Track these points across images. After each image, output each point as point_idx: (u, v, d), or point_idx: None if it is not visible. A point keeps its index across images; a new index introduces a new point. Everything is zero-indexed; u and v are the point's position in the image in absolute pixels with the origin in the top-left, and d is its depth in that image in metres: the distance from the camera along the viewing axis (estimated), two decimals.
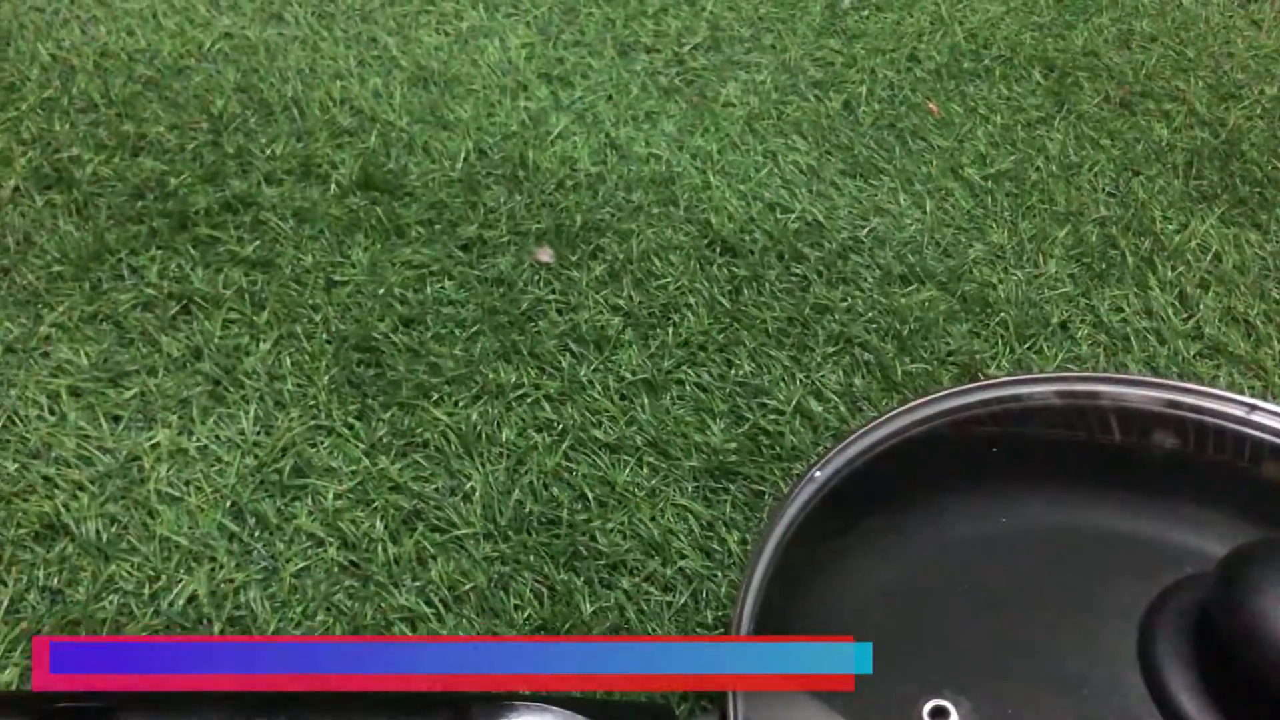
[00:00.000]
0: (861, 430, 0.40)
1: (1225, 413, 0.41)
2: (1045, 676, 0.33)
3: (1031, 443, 0.42)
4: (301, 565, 0.41)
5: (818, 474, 0.38)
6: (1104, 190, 0.60)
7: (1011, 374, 0.50)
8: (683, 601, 0.41)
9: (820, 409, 0.48)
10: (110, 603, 0.39)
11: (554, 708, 0.30)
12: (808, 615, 0.36)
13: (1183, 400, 0.42)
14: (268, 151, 0.56)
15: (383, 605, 0.40)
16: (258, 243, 0.52)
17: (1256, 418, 0.41)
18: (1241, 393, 0.51)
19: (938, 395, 0.42)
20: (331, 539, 0.42)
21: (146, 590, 0.40)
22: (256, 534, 0.42)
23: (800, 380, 0.49)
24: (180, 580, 0.40)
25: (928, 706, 0.32)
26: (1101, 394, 0.43)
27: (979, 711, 0.32)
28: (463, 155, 0.57)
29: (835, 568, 0.37)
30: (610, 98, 0.62)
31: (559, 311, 0.50)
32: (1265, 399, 0.41)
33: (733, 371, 0.49)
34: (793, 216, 0.56)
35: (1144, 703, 0.31)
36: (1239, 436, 0.42)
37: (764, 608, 0.35)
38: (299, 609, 0.40)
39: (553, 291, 0.51)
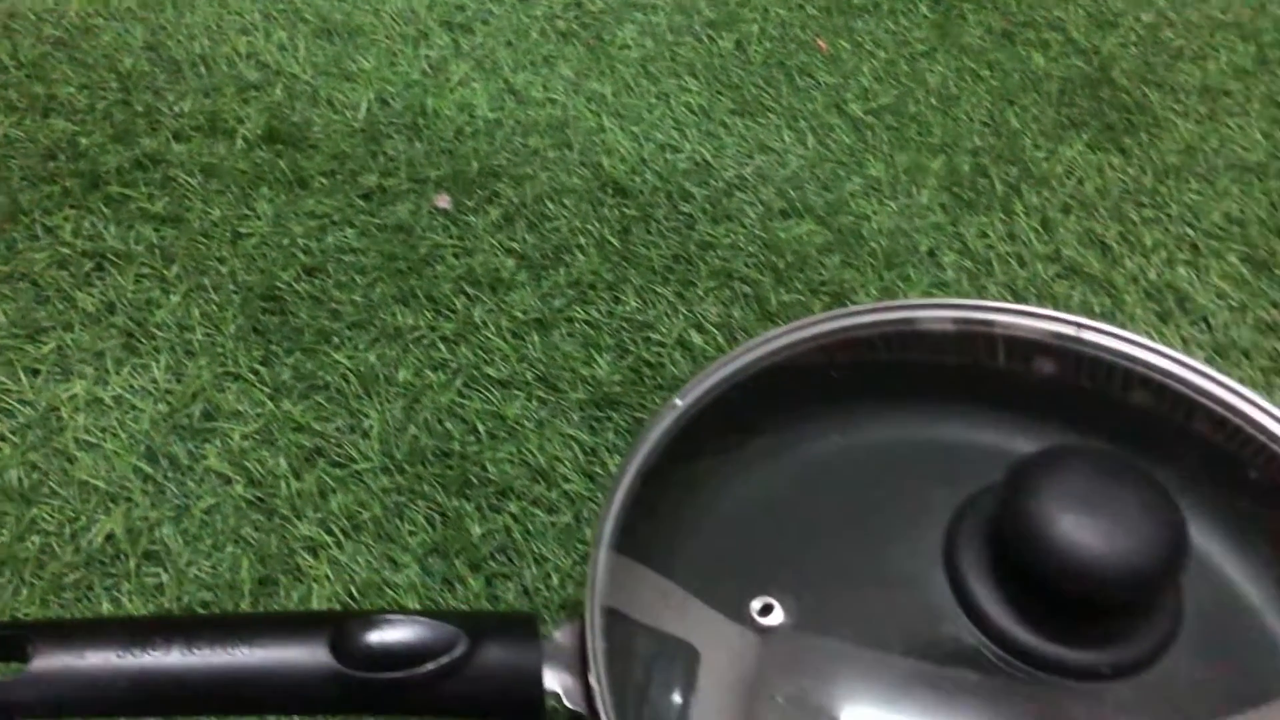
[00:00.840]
0: (724, 359, 0.44)
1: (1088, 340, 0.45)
2: (861, 575, 0.37)
3: (904, 366, 0.46)
4: (211, 502, 0.44)
5: (679, 401, 0.42)
6: (980, 121, 0.63)
7: (881, 300, 0.53)
8: (566, 521, 0.45)
9: (700, 340, 0.51)
10: (32, 543, 0.43)
11: (423, 618, 0.34)
12: (663, 533, 0.39)
13: (1064, 331, 0.46)
14: (176, 109, 0.59)
15: (286, 536, 0.43)
16: (167, 199, 0.55)
17: (1084, 335, 0.45)
18: (1092, 311, 0.55)
19: (806, 322, 0.45)
20: (239, 477, 0.45)
21: (67, 530, 0.43)
22: (169, 475, 0.45)
23: (683, 314, 0.52)
24: (98, 520, 0.43)
25: (756, 603, 0.36)
26: (994, 322, 0.47)
27: (800, 605, 0.36)
28: (365, 106, 0.60)
29: (693, 488, 0.41)
30: (510, 43, 0.64)
31: (455, 256, 0.53)
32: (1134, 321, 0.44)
33: (620, 308, 0.52)
34: (682, 157, 0.59)
35: (947, 598, 0.35)
36: (1112, 366, 0.45)
37: (624, 529, 0.38)
38: (209, 542, 0.43)
39: (450, 236, 0.54)
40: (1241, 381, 0.52)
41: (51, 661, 0.32)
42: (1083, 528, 0.32)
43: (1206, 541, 0.42)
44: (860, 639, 0.36)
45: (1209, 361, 0.53)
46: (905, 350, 0.46)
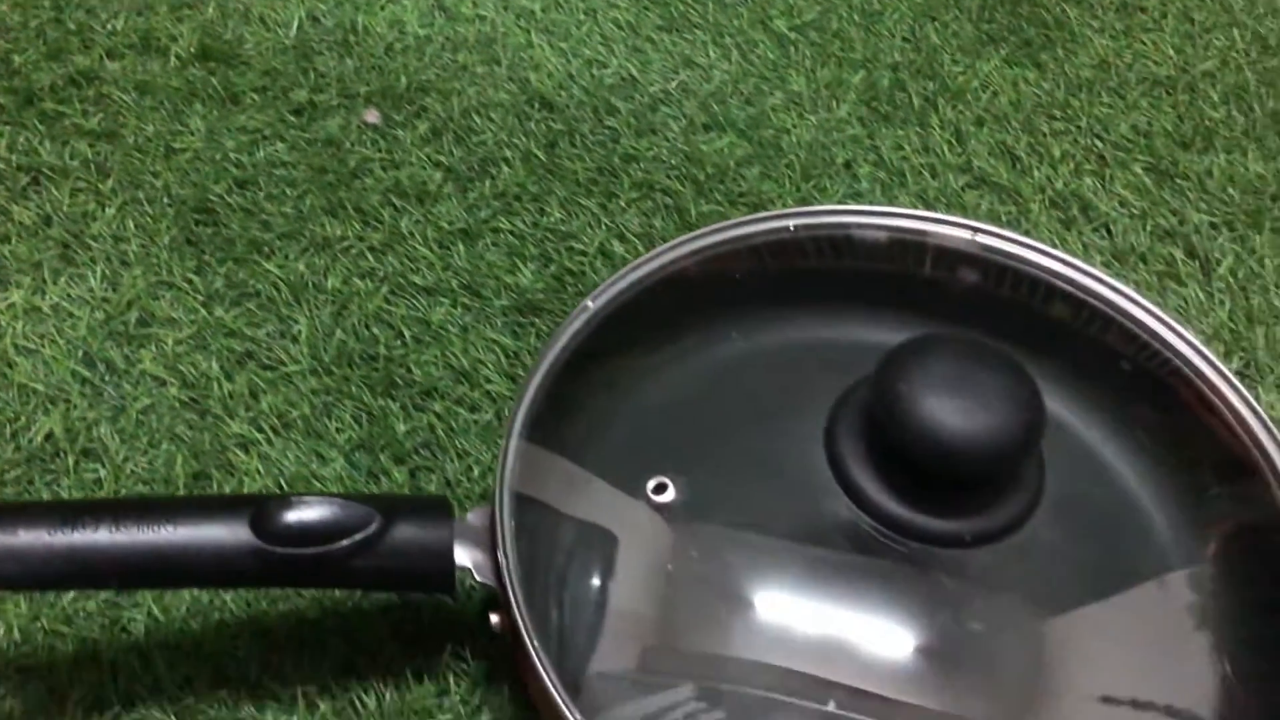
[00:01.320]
0: (636, 263, 0.46)
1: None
2: (750, 458, 0.40)
3: (792, 274, 0.48)
4: (147, 403, 0.46)
5: (590, 303, 0.44)
6: (900, 36, 0.65)
7: (801, 206, 0.54)
8: (488, 419, 0.47)
9: (622, 249, 0.53)
10: None
11: (338, 499, 0.36)
12: (572, 425, 0.42)
13: (989, 242, 0.48)
14: (109, 27, 0.60)
15: (219, 434, 0.46)
16: (101, 115, 0.56)
17: (980, 239, 0.48)
18: (998, 218, 0.57)
19: (720, 226, 0.47)
20: (173, 380, 0.47)
21: (7, 430, 0.45)
22: (106, 378, 0.47)
23: (605, 225, 0.54)
24: (38, 420, 0.45)
25: (652, 482, 0.39)
26: (927, 232, 0.49)
27: (691, 486, 0.39)
28: (296, 23, 0.61)
29: (602, 384, 0.44)
30: None
31: (383, 169, 0.55)
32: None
33: (544, 219, 0.54)
34: (609, 72, 0.61)
35: (826, 476, 0.38)
36: (1035, 279, 0.48)
37: (535, 420, 0.41)
38: (145, 440, 0.45)
39: (378, 150, 0.56)
40: (1136, 284, 0.55)
41: None
42: (945, 407, 0.35)
43: (1085, 429, 0.45)
44: (746, 514, 0.39)
45: (1107, 266, 0.55)
46: (787, 259, 0.48)
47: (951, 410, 0.35)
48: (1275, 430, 0.42)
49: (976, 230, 0.47)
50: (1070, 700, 0.40)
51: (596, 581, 0.40)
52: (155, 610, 0.41)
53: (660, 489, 0.39)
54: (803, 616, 0.39)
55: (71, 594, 0.41)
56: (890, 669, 0.39)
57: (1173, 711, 0.40)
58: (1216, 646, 0.40)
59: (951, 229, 0.47)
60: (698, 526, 0.39)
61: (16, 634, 0.40)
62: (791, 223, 0.46)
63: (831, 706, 0.38)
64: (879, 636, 0.39)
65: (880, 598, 0.39)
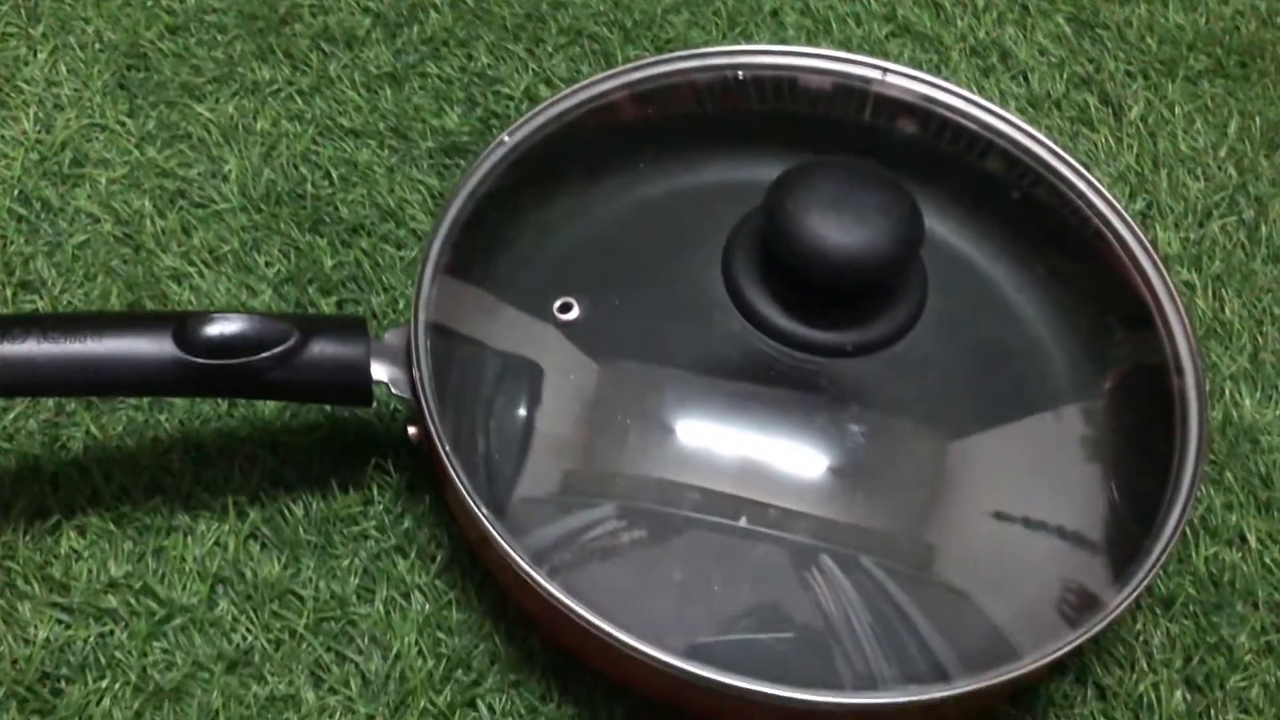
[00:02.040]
0: (554, 98, 0.47)
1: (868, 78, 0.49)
2: (654, 282, 0.42)
3: (730, 116, 0.49)
4: (82, 239, 0.48)
5: (506, 138, 0.46)
6: None
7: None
8: (413, 256, 0.49)
9: (547, 93, 0.54)
10: None
11: (257, 315, 0.38)
12: (489, 261, 0.44)
13: (870, 75, 0.49)
14: None
15: (152, 267, 0.47)
16: None
17: (889, 79, 0.49)
18: (919, 66, 0.58)
19: (632, 66, 0.48)
20: (107, 217, 0.49)
21: None
22: (42, 215, 0.49)
23: (532, 69, 0.55)
24: None
25: (558, 302, 0.41)
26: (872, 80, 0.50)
27: (596, 306, 0.41)
28: None
29: (516, 218, 0.45)
30: None
31: (313, 14, 0.56)
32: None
33: (471, 64, 0.55)
34: None
35: (722, 294, 0.40)
36: (974, 135, 0.49)
37: (453, 249, 0.43)
38: (81, 273, 0.47)
39: None
40: (1048, 129, 0.56)
41: None
42: (827, 223, 0.37)
43: (989, 265, 0.47)
44: (648, 331, 0.41)
45: (1021, 112, 0.57)
46: (729, 101, 0.49)
47: (833, 226, 0.37)
48: (1169, 278, 0.44)
49: (886, 70, 0.49)
50: (963, 514, 0.43)
51: (516, 409, 0.42)
52: (93, 429, 0.43)
53: (566, 308, 0.41)
54: (709, 434, 0.42)
55: (13, 413, 0.43)
56: (790, 482, 0.41)
57: (1063, 533, 0.43)
58: (1106, 475, 0.43)
59: (853, 67, 0.48)
60: (607, 348, 0.41)
61: None
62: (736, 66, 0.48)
63: (742, 522, 0.41)
64: (778, 451, 0.42)
65: (776, 413, 0.42)
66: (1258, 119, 0.57)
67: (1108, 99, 0.58)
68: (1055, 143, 0.47)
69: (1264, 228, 0.54)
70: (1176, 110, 0.57)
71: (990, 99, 0.56)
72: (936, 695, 0.37)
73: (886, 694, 0.37)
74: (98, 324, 0.37)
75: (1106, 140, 0.56)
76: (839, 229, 0.37)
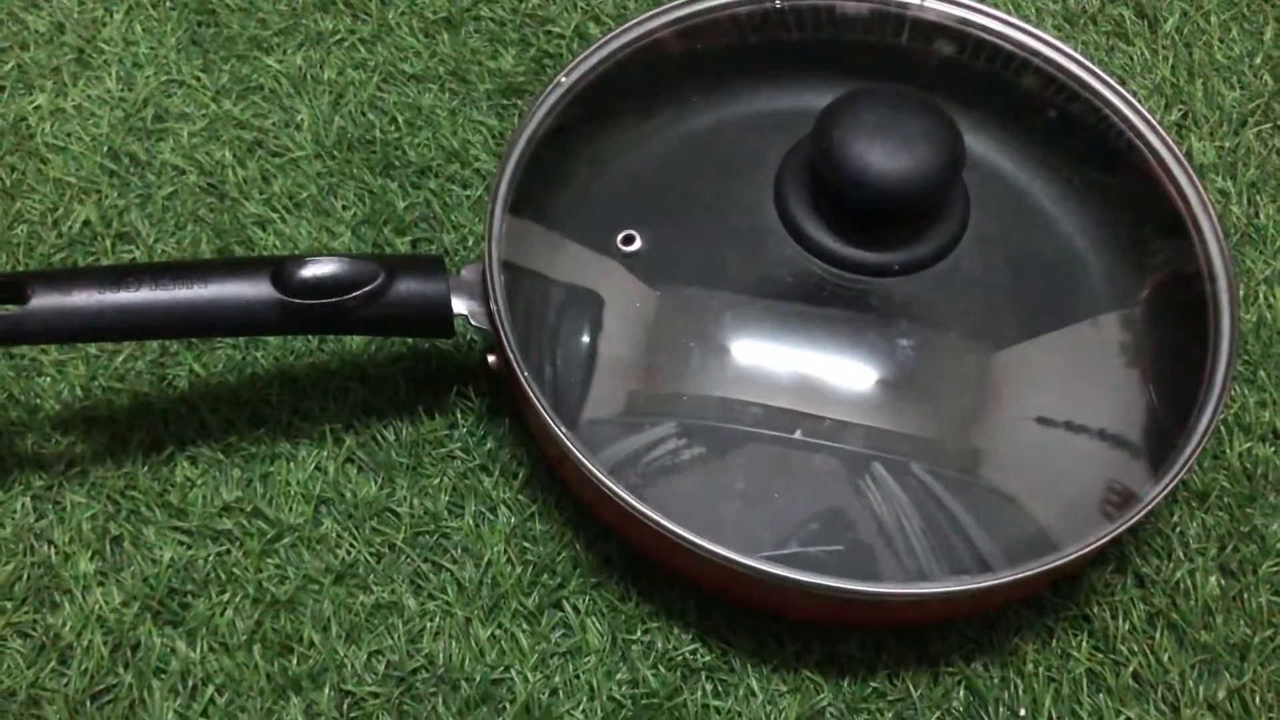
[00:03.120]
0: (608, 36, 0.49)
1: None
2: (704, 209, 0.45)
3: (774, 45, 0.51)
4: (170, 190, 0.51)
5: (563, 79, 0.48)
6: None
7: None
8: (478, 195, 0.52)
9: (597, 31, 0.57)
10: (21, 231, 0.50)
11: (346, 257, 0.42)
12: (553, 197, 0.46)
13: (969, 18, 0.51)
14: None
15: (237, 214, 0.51)
16: None
17: (926, 2, 0.51)
18: None
19: (675, 4, 0.50)
20: (191, 169, 0.52)
21: (49, 219, 0.50)
22: (131, 170, 0.52)
23: (580, 8, 0.57)
24: (74, 210, 0.50)
25: (620, 235, 0.44)
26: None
27: (657, 237, 0.44)
28: None
29: (576, 155, 0.48)
30: None
31: None
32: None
33: (523, 5, 0.57)
34: None
35: (774, 220, 0.43)
36: (1010, 54, 0.51)
37: (518, 190, 0.45)
38: (172, 223, 0.50)
39: None
40: (1085, 45, 0.58)
41: (46, 300, 0.39)
42: (873, 150, 0.40)
43: (1027, 180, 0.49)
44: (707, 259, 0.44)
45: (1058, 29, 0.58)
46: (770, 31, 0.51)
47: (878, 152, 0.39)
48: (1202, 187, 0.46)
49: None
50: (1008, 420, 0.45)
51: (582, 337, 0.45)
52: (196, 368, 0.47)
53: (629, 240, 0.44)
54: (765, 354, 0.45)
55: (123, 355, 0.47)
56: (843, 395, 0.44)
57: (1105, 435, 0.45)
58: (1143, 379, 0.46)
59: None
60: (666, 276, 0.44)
61: (79, 390, 0.46)
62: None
63: (798, 435, 0.43)
64: (831, 367, 0.45)
65: (828, 331, 0.44)
66: None
67: (1143, 11, 0.59)
68: (1090, 59, 0.48)
69: None
70: (1212, 19, 0.58)
71: (1026, 16, 0.58)
72: (981, 585, 0.40)
73: (938, 584, 0.40)
74: (203, 271, 0.41)
75: (1142, 53, 0.58)
76: (884, 155, 0.40)
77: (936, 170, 0.40)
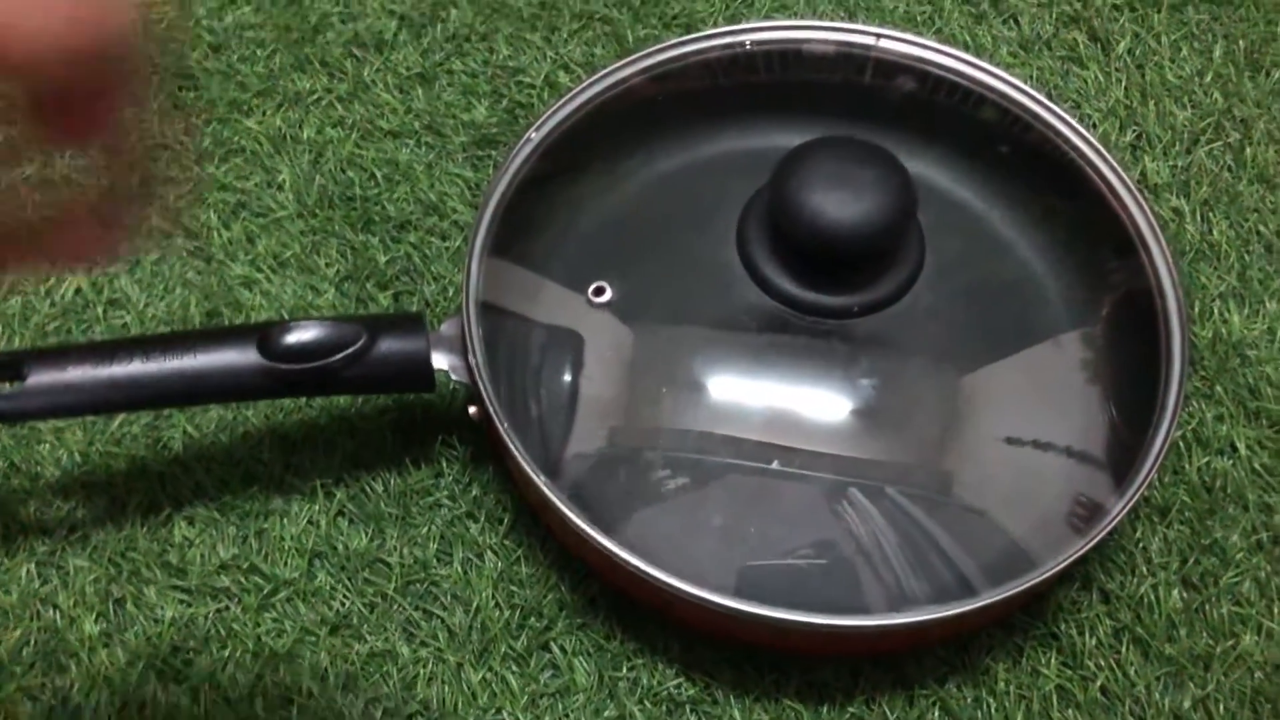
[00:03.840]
0: (573, 91, 0.51)
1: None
2: (673, 260, 0.47)
3: (737, 88, 0.53)
4: (157, 255, 0.53)
5: (533, 135, 0.50)
6: None
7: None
8: (457, 245, 0.54)
9: (566, 79, 0.58)
10: (15, 302, 0.51)
11: (329, 321, 0.43)
12: (528, 246, 0.48)
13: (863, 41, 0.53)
14: None
15: (224, 276, 0.52)
16: None
17: (882, 43, 0.52)
18: (915, 20, 0.61)
19: (643, 53, 0.52)
20: (176, 233, 0.53)
21: (42, 290, 0.52)
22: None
23: (550, 57, 0.59)
24: (66, 279, 0.52)
25: (592, 286, 0.46)
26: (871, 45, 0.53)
27: (625, 285, 0.46)
28: None
29: (549, 204, 0.50)
30: None
31: (342, 21, 0.60)
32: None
33: (494, 57, 0.59)
34: None
35: (740, 273, 0.45)
36: (967, 89, 0.52)
37: (495, 238, 0.47)
38: (161, 287, 0.52)
39: (336, 4, 0.60)
40: (1040, 71, 0.60)
41: (43, 377, 0.41)
42: (827, 200, 0.41)
43: (979, 203, 0.51)
44: (672, 301, 0.46)
45: (1014, 55, 0.60)
46: (739, 74, 0.53)
47: (831, 202, 0.41)
48: (1149, 207, 0.48)
49: (879, 36, 0.52)
50: (976, 442, 0.47)
51: (561, 381, 0.47)
52: (189, 429, 0.49)
53: (599, 291, 0.46)
54: (735, 392, 0.47)
55: (119, 420, 0.49)
56: (814, 427, 0.46)
57: (1071, 452, 0.47)
58: (1105, 396, 0.47)
59: (849, 35, 0.52)
60: (637, 321, 0.46)
61: (77, 456, 0.48)
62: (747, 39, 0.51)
63: (775, 465, 0.45)
64: (800, 401, 0.47)
65: (795, 369, 0.46)
66: (1241, 41, 0.60)
67: (1096, 35, 0.60)
68: (1044, 85, 0.50)
69: (1249, 149, 0.57)
70: (1163, 40, 0.60)
71: (983, 45, 0.60)
72: (952, 612, 0.41)
73: (907, 615, 0.41)
74: (191, 341, 0.42)
75: (1096, 76, 0.59)
76: (837, 205, 0.41)
77: (887, 218, 0.42)
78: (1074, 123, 0.50)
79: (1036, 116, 0.51)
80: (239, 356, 0.42)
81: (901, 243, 0.44)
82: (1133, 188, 0.48)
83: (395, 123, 0.57)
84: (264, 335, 0.43)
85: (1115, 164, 0.49)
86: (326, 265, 0.53)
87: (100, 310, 0.51)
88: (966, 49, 0.60)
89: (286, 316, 0.51)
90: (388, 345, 0.44)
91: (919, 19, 0.61)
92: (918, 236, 0.45)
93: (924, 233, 0.46)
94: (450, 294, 0.53)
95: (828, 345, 0.46)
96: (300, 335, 0.43)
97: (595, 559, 0.44)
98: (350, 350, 0.43)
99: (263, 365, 0.42)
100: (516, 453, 0.43)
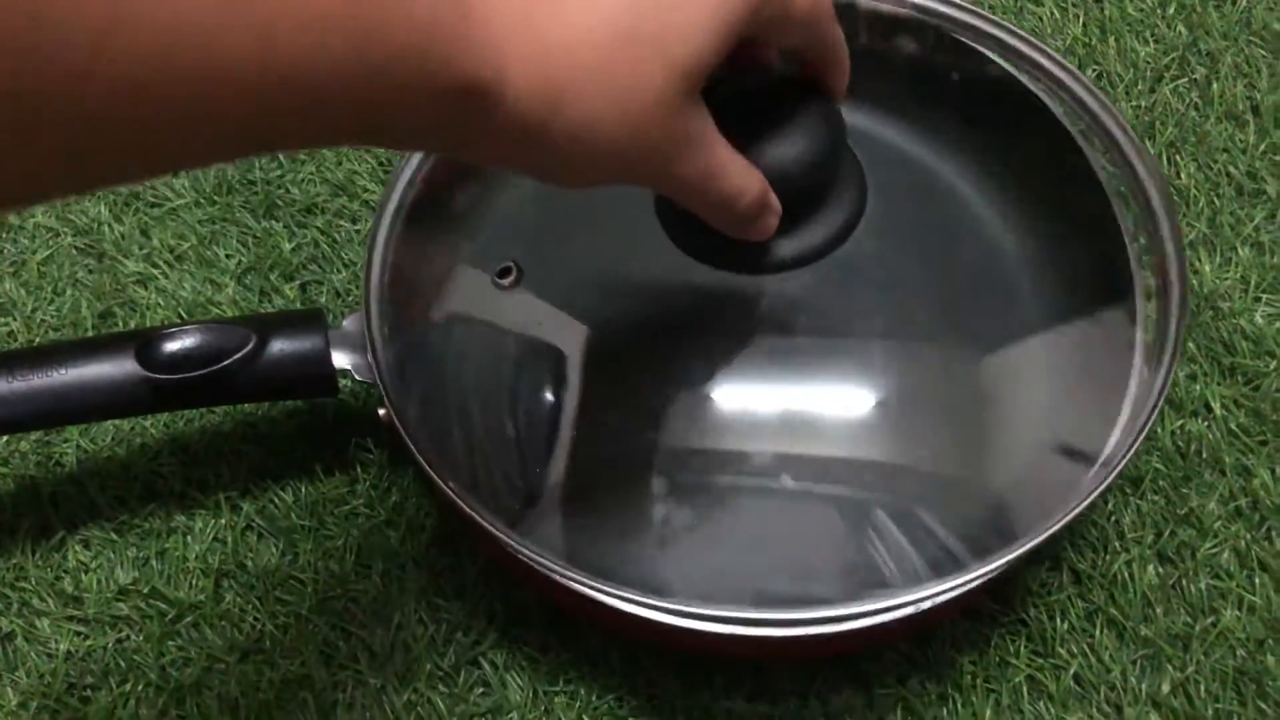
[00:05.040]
0: None
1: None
2: (596, 235, 0.42)
3: None
4: (46, 254, 0.49)
5: None
6: None
7: None
8: (368, 227, 0.49)
9: None
10: None
11: (214, 324, 0.39)
12: (434, 232, 0.44)
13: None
14: None
15: (117, 274, 0.48)
16: None
17: None
18: None
19: None
20: (66, 229, 0.49)
21: None
22: (4, 235, 0.49)
23: None
24: None
25: (500, 267, 0.42)
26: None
27: (537, 262, 0.41)
28: None
29: (464, 187, 0.45)
30: None
31: None
32: None
33: None
34: None
35: (656, 226, 0.40)
36: (969, 48, 0.48)
37: (400, 234, 0.43)
38: (49, 289, 0.48)
39: None
40: (991, 8, 0.56)
41: None
42: (751, 146, 0.37)
43: (931, 155, 0.47)
44: (589, 277, 0.42)
45: None
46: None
47: (749, 137, 0.36)
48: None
49: None
50: (940, 411, 0.43)
51: (477, 368, 0.43)
52: (83, 443, 0.45)
53: (505, 273, 0.42)
54: (657, 371, 0.42)
55: (4, 437, 0.45)
56: (751, 408, 0.42)
57: (1044, 421, 0.44)
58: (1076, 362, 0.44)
59: None
60: (554, 298, 0.42)
61: None
62: None
63: (707, 445, 0.41)
64: (730, 373, 0.42)
65: (721, 335, 0.42)
66: None
67: None
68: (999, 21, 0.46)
69: (1215, 84, 0.53)
70: None
71: None
72: (905, 603, 0.38)
73: (858, 604, 0.38)
74: (61, 355, 0.39)
75: (1052, 12, 0.55)
76: (757, 141, 0.37)
77: (813, 151, 0.37)
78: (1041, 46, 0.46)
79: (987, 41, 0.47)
80: (115, 369, 0.38)
81: (832, 181, 0.39)
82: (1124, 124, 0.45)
83: None
84: (142, 344, 0.39)
85: (1098, 96, 0.45)
86: (227, 257, 0.49)
87: None
88: None
89: (185, 315, 0.47)
90: (281, 347, 0.40)
91: None
92: (855, 179, 0.40)
93: (865, 177, 0.41)
94: (362, 282, 0.49)
95: (758, 305, 0.41)
96: (181, 342, 0.39)
97: (517, 568, 0.40)
98: (239, 355, 0.39)
99: (143, 377, 0.38)
100: (422, 460, 0.39)
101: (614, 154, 0.30)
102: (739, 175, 0.34)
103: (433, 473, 0.38)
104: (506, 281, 0.42)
